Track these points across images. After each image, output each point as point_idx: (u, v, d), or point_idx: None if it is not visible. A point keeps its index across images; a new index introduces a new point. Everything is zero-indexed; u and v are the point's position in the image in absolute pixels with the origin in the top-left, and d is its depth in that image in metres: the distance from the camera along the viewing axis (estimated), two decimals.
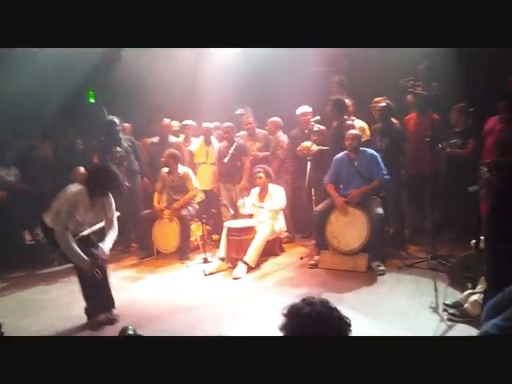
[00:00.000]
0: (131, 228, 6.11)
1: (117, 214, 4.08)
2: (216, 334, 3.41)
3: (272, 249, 5.40)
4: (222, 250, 5.19)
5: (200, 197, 6.25)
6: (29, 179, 6.08)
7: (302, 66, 6.37)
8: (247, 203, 5.56)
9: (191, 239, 5.74)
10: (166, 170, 5.81)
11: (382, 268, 4.59)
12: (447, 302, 3.63)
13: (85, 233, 3.88)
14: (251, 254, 4.97)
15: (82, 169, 5.67)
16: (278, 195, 5.46)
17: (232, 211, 5.72)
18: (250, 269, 4.93)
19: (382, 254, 4.81)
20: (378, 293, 4.16)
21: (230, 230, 5.21)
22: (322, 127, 5.69)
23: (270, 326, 1.69)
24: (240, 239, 5.09)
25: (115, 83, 6.69)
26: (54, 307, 4.41)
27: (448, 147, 5.18)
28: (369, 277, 4.51)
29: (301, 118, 5.78)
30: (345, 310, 1.61)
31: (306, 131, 5.58)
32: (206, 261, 5.30)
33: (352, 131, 4.96)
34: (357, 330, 1.62)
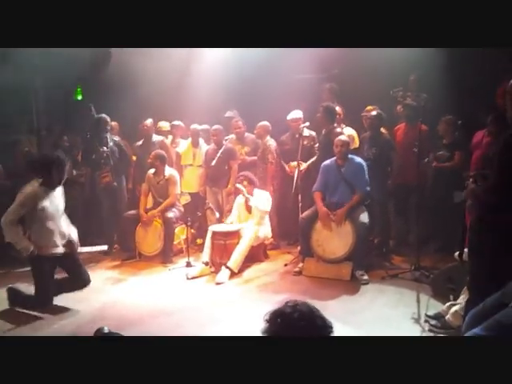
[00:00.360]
0: (114, 229, 6.03)
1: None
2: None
3: (256, 255, 5.36)
4: (205, 254, 5.13)
5: (185, 199, 6.19)
6: (12, 175, 5.96)
7: (293, 71, 6.38)
8: (233, 211, 5.52)
9: (175, 242, 5.67)
10: (152, 171, 5.75)
11: (365, 277, 4.57)
12: (429, 314, 3.63)
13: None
14: (235, 259, 4.93)
15: None
16: (262, 199, 5.41)
17: (217, 215, 5.67)
18: (233, 274, 4.89)
19: (366, 263, 4.80)
20: (360, 302, 4.15)
21: (214, 233, 5.16)
22: (313, 132, 5.69)
23: (251, 331, 1.68)
24: (225, 243, 5.04)
25: (104, 81, 6.61)
26: None
27: (435, 161, 5.21)
28: (352, 286, 4.49)
29: (291, 123, 5.76)
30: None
31: (296, 136, 5.56)
32: (189, 265, 5.24)
33: (341, 137, 4.96)
34: None
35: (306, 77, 6.41)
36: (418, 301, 3.93)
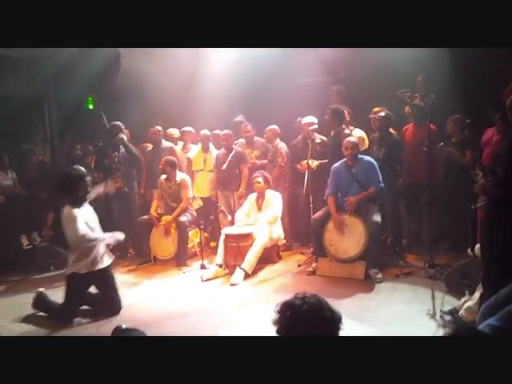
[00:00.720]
0: (128, 234, 6.09)
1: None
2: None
3: (270, 256, 5.40)
4: (219, 256, 5.18)
5: (198, 204, 6.25)
6: (26, 184, 6.07)
7: (300, 75, 6.45)
8: (242, 210, 5.58)
9: (189, 246, 5.73)
10: (164, 177, 5.83)
11: (379, 276, 4.60)
12: (444, 309, 3.64)
13: None
14: (249, 261, 4.97)
15: None
16: (275, 202, 5.47)
17: (230, 218, 5.72)
18: (247, 275, 4.92)
19: (379, 262, 4.82)
20: (375, 300, 4.17)
21: (227, 236, 5.21)
22: (324, 138, 5.73)
23: (266, 331, 1.72)
24: (238, 246, 5.09)
25: (114, 89, 6.73)
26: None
27: (445, 160, 5.22)
28: (366, 284, 4.52)
29: (305, 127, 5.77)
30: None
31: (308, 141, 5.59)
32: (203, 267, 5.29)
33: (350, 139, 5.00)
34: None
35: (313, 80, 6.48)
36: (433, 297, 3.94)
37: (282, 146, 5.92)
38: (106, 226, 6.16)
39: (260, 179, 5.47)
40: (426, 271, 4.61)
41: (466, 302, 3.57)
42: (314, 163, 5.48)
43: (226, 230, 5.34)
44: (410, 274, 4.66)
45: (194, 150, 6.54)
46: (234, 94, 6.46)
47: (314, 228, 4.95)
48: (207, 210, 6.34)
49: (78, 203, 4.02)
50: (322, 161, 5.56)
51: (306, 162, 5.42)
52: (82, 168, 4.21)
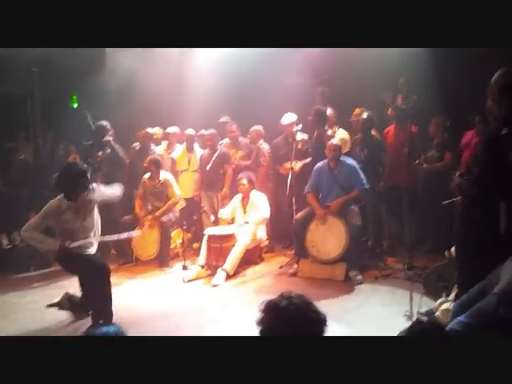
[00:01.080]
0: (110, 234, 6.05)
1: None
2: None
3: (252, 257, 5.42)
4: (202, 257, 5.19)
5: (181, 204, 6.24)
6: (8, 182, 6.01)
7: (285, 76, 6.47)
8: (228, 207, 5.59)
9: (171, 246, 5.72)
10: (147, 176, 5.81)
11: (359, 277, 4.63)
12: (421, 311, 3.68)
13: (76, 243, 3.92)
14: (230, 262, 4.98)
15: None
16: (261, 204, 5.47)
17: (213, 218, 5.72)
18: (228, 276, 4.93)
19: (360, 264, 4.86)
20: (355, 301, 4.21)
21: (210, 237, 5.22)
22: (305, 136, 5.75)
23: (248, 331, 1.71)
24: (220, 247, 5.10)
25: (99, 88, 6.69)
26: (29, 311, 4.36)
27: (425, 163, 5.28)
28: (346, 286, 4.55)
29: (286, 126, 5.82)
30: None
31: (290, 140, 5.62)
32: (185, 268, 5.28)
33: (333, 141, 5.03)
34: None
35: (298, 82, 6.50)
36: (411, 299, 3.98)
37: (264, 146, 5.94)
38: None
39: (244, 181, 5.48)
40: (405, 273, 4.65)
41: (442, 303, 3.62)
42: (297, 165, 5.50)
43: (209, 231, 5.34)
44: (390, 276, 4.71)
45: (179, 150, 6.53)
46: (220, 93, 6.45)
47: (295, 228, 4.97)
48: (190, 211, 6.33)
49: (73, 198, 3.92)
50: (304, 161, 5.57)
51: (289, 163, 5.43)
52: (82, 164, 4.13)
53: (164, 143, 6.70)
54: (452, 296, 3.63)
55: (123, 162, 6.13)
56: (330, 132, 5.51)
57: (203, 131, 6.38)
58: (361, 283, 4.56)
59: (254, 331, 1.64)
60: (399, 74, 5.94)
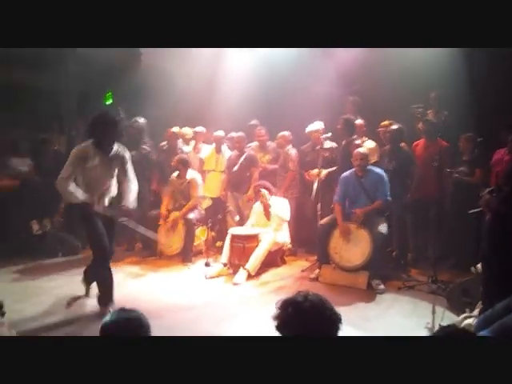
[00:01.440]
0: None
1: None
2: (212, 333, 3.48)
3: (274, 260, 5.45)
4: (224, 256, 5.25)
5: (207, 203, 6.33)
6: (41, 171, 6.19)
7: (317, 84, 6.52)
8: (252, 217, 5.63)
9: (195, 243, 5.80)
10: (175, 174, 5.92)
11: (381, 287, 4.62)
12: (443, 324, 3.65)
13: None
14: (253, 262, 5.02)
15: None
16: (281, 208, 5.51)
17: (237, 218, 5.78)
18: (250, 276, 4.98)
19: (382, 274, 4.84)
20: (375, 310, 4.20)
21: (234, 236, 5.28)
22: (334, 144, 5.78)
23: (265, 330, 1.76)
24: (244, 246, 5.15)
25: (133, 86, 6.85)
26: (52, 295, 4.46)
27: (455, 173, 5.25)
28: (368, 294, 4.54)
29: (313, 133, 5.87)
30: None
31: (317, 147, 5.67)
32: (207, 265, 5.36)
33: (360, 150, 5.04)
34: None
35: (327, 90, 6.54)
36: (434, 312, 3.93)
37: (292, 151, 5.99)
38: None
39: (264, 192, 5.46)
40: (429, 286, 4.62)
41: (465, 318, 3.58)
42: (322, 172, 5.53)
43: (233, 230, 5.40)
44: (413, 288, 4.67)
45: (207, 151, 6.63)
46: (251, 97, 6.54)
47: (319, 234, 4.99)
48: (216, 210, 6.41)
49: (101, 146, 3.87)
50: (330, 169, 5.60)
51: (315, 171, 5.46)
52: (117, 114, 4.13)
53: (193, 143, 6.82)
54: (476, 312, 3.59)
55: (153, 161, 6.25)
56: (358, 141, 5.53)
57: (232, 133, 6.47)
58: (383, 293, 4.55)
59: (271, 329, 1.67)
60: (430, 88, 5.93)
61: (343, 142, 5.61)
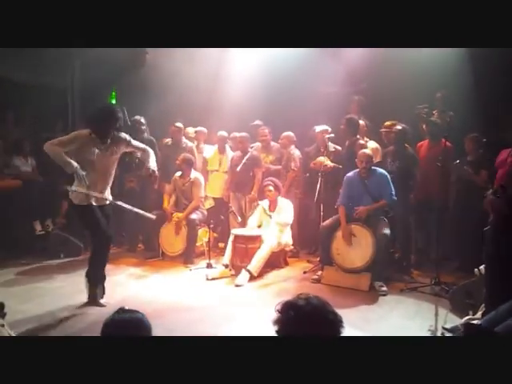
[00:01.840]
0: (139, 229, 6.18)
1: None
2: (213, 334, 3.46)
3: (276, 261, 5.43)
4: (226, 257, 5.23)
5: (209, 203, 6.32)
6: (44, 171, 6.20)
7: (321, 84, 6.49)
8: (255, 215, 5.62)
9: (197, 244, 5.79)
10: (179, 174, 5.91)
11: (384, 289, 4.59)
12: (446, 326, 3.63)
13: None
14: (255, 264, 5.01)
15: None
16: (286, 209, 5.50)
17: (240, 219, 5.77)
18: (252, 278, 4.96)
19: (385, 275, 4.81)
20: (378, 312, 4.17)
21: (236, 237, 5.26)
22: (338, 147, 5.75)
23: (267, 331, 1.72)
24: (246, 247, 5.14)
25: (137, 85, 6.85)
26: (55, 295, 4.47)
27: (459, 180, 5.21)
28: (370, 296, 4.52)
29: (319, 135, 5.82)
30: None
31: (321, 150, 5.63)
32: (209, 266, 5.35)
33: (365, 151, 5.02)
34: None
35: (335, 90, 6.52)
36: (437, 314, 3.91)
37: (295, 151, 5.97)
38: (117, 222, 6.32)
39: (271, 187, 5.49)
40: (432, 288, 4.59)
41: (469, 320, 3.56)
42: (328, 162, 5.49)
43: (236, 231, 5.39)
44: (415, 290, 4.64)
45: (211, 151, 6.62)
46: (254, 97, 6.53)
47: (322, 235, 4.97)
48: (218, 210, 6.40)
49: (99, 136, 4.04)
50: (336, 165, 5.57)
51: (321, 158, 5.42)
52: (117, 108, 4.23)
53: (195, 142, 6.80)
54: (479, 314, 3.57)
55: (158, 158, 6.24)
56: (361, 142, 5.49)
57: (235, 133, 6.46)
58: (385, 294, 4.52)
59: (271, 331, 1.64)
60: (436, 88, 5.89)
61: (346, 143, 5.59)
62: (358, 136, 5.51)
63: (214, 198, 6.42)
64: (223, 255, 5.37)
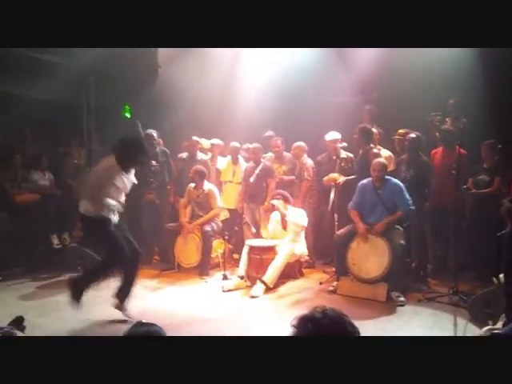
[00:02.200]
0: (155, 241, 6.23)
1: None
2: None
3: (292, 272, 5.42)
4: (241, 268, 5.24)
5: (224, 215, 6.34)
6: (61, 185, 6.30)
7: (334, 94, 6.52)
8: (269, 227, 5.62)
9: (212, 256, 5.80)
10: (192, 185, 5.96)
11: (401, 299, 4.54)
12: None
13: None
14: (270, 275, 5.00)
15: None
16: (298, 216, 5.47)
17: (254, 230, 5.78)
18: (267, 289, 4.95)
19: (402, 285, 4.77)
20: (395, 322, 4.13)
21: (251, 248, 5.27)
22: (350, 154, 5.75)
23: None
24: (261, 258, 5.14)
25: (150, 100, 6.94)
26: (73, 310, 4.48)
27: (474, 187, 5.16)
28: (388, 306, 4.48)
29: (329, 144, 5.85)
30: None
31: (333, 157, 5.65)
32: (225, 277, 5.36)
33: (380, 160, 4.99)
34: None
35: (346, 100, 6.53)
36: (455, 324, 3.86)
37: (308, 161, 5.98)
38: (134, 234, 6.37)
39: (278, 203, 5.44)
40: (450, 298, 4.53)
41: (488, 331, 3.51)
42: (340, 178, 5.49)
43: (250, 242, 5.40)
44: (433, 300, 4.59)
45: (224, 162, 6.66)
46: (266, 108, 6.57)
47: (336, 245, 4.94)
48: (232, 222, 6.42)
49: (123, 166, 4.08)
50: (348, 177, 5.56)
51: (333, 175, 5.42)
52: (141, 139, 4.41)
53: (210, 154, 6.86)
54: (499, 324, 3.52)
55: (171, 170, 6.31)
56: (375, 150, 5.48)
57: (248, 144, 6.49)
58: (403, 305, 4.47)
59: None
60: (449, 94, 5.86)
61: (360, 152, 5.58)
62: (372, 145, 5.50)
63: (228, 209, 6.45)
64: (238, 266, 5.38)
